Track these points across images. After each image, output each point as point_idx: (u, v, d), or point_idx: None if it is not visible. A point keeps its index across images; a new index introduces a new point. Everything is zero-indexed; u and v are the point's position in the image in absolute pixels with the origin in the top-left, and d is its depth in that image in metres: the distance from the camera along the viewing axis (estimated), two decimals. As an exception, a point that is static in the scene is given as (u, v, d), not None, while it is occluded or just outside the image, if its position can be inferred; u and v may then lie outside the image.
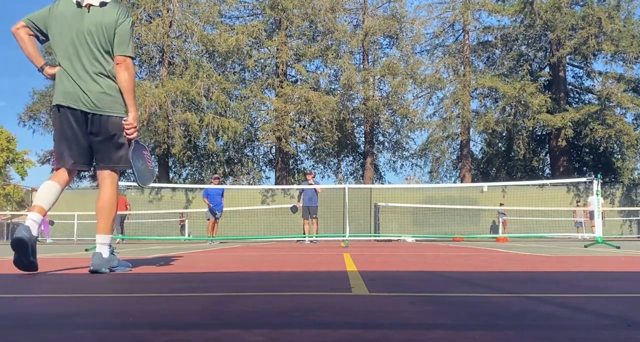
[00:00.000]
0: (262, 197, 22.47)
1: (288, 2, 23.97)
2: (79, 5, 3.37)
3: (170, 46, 24.03)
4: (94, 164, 3.51)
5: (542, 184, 21.59)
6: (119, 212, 17.27)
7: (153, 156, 27.82)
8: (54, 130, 3.47)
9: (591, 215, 17.03)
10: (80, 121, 3.35)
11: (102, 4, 3.39)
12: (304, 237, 12.91)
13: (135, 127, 3.42)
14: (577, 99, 28.48)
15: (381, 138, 28.35)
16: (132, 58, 3.41)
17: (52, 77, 3.46)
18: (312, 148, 27.72)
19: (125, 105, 3.43)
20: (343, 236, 11.40)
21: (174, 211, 21.30)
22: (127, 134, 3.42)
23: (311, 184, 13.02)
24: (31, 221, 3.25)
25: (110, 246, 3.50)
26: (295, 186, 19.90)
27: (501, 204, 19.51)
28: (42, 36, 3.50)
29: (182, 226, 21.04)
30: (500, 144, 28.46)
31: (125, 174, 29.01)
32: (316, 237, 12.92)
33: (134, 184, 23.62)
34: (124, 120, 3.41)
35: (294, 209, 13.33)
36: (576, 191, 22.68)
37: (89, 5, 3.37)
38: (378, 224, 18.13)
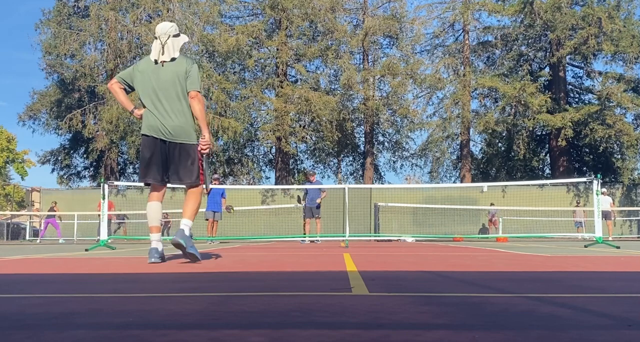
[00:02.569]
0: (262, 197, 22.47)
1: (288, 2, 23.97)
2: (156, 62, 4.42)
3: (170, 46, 24.00)
4: (167, 179, 4.47)
5: (542, 184, 21.59)
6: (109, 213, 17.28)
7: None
8: (140, 153, 4.52)
9: (606, 215, 16.87)
10: (159, 147, 4.33)
11: (172, 59, 4.41)
12: (304, 237, 12.91)
13: (209, 145, 4.45)
14: (577, 99, 28.49)
15: (381, 138, 28.38)
16: (201, 92, 4.43)
17: (140, 116, 4.49)
18: (312, 148, 27.73)
19: (199, 129, 4.44)
20: (343, 236, 11.40)
21: (174, 211, 21.25)
22: (202, 149, 4.41)
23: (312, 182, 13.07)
24: (155, 242, 4.42)
25: (191, 233, 4.38)
26: (295, 186, 19.91)
27: (492, 204, 19.62)
28: (129, 88, 4.54)
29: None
30: (500, 144, 28.46)
31: (125, 174, 28.94)
32: (319, 237, 12.92)
33: (134, 184, 23.72)
34: (202, 138, 4.39)
35: (300, 200, 13.36)
36: (576, 191, 22.68)
37: (163, 62, 4.41)
38: (378, 224, 18.13)
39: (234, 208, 13.30)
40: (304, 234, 13.19)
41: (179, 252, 4.46)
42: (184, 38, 4.59)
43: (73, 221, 19.76)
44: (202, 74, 22.89)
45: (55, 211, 19.74)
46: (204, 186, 4.61)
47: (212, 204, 13.18)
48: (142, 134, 4.41)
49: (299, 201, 13.33)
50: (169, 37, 4.45)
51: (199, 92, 4.38)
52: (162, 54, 4.41)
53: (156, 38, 4.49)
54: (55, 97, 26.44)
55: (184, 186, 4.52)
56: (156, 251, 4.38)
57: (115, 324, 1.52)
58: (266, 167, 28.51)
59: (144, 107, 4.44)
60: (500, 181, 25.38)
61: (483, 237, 18.31)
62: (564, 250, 7.45)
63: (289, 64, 25.63)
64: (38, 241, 19.44)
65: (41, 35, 24.48)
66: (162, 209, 4.50)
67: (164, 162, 4.37)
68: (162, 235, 17.33)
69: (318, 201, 12.97)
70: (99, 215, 17.03)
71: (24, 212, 29.90)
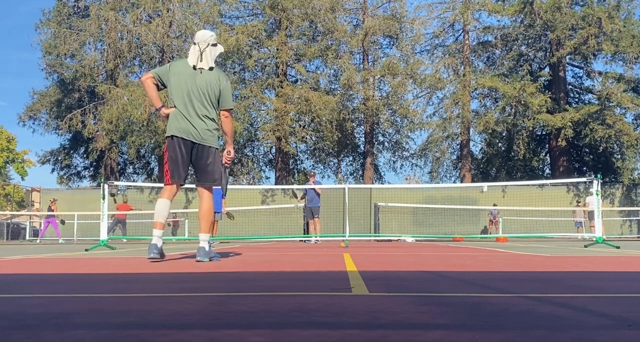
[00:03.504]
0: (262, 197, 22.47)
1: (288, 2, 23.96)
2: (194, 68, 4.62)
3: (170, 46, 24.02)
4: (190, 180, 4.81)
5: (542, 184, 21.58)
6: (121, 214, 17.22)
7: (153, 156, 27.86)
8: (167, 154, 4.64)
9: (590, 215, 17.06)
10: (188, 148, 4.55)
11: (210, 69, 4.63)
12: (310, 237, 12.88)
13: (232, 158, 4.83)
14: (577, 99, 28.49)
15: (381, 138, 28.37)
16: (232, 109, 4.76)
17: (167, 116, 4.64)
18: (312, 148, 27.72)
19: (224, 143, 4.87)
20: (343, 236, 11.40)
21: (174, 211, 21.28)
22: (226, 161, 4.79)
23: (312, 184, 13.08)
24: (157, 238, 4.57)
25: (209, 242, 4.69)
26: (295, 186, 19.89)
27: (494, 205, 19.61)
28: (161, 85, 4.70)
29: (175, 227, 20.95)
30: (500, 144, 28.45)
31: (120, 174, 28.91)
32: (319, 237, 12.93)
33: (133, 184, 23.64)
34: (227, 153, 4.78)
35: (294, 195, 13.40)
36: (576, 191, 22.68)
37: (202, 69, 4.61)
38: (378, 224, 18.13)
39: (234, 217, 13.34)
40: (308, 233, 13.20)
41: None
42: (220, 48, 4.77)
43: (73, 221, 19.76)
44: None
45: (53, 210, 19.72)
46: (222, 192, 5.18)
47: (213, 204, 13.16)
48: (171, 135, 4.57)
49: (294, 195, 13.36)
50: (207, 45, 4.66)
51: (230, 110, 4.71)
52: (201, 61, 4.62)
53: (195, 44, 4.67)
54: (55, 97, 26.44)
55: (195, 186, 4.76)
56: (155, 247, 4.54)
57: (115, 324, 1.52)
58: (266, 167, 28.53)
59: (174, 107, 4.61)
60: (500, 181, 25.37)
61: (483, 237, 18.31)
62: (564, 250, 7.45)
63: (289, 64, 25.63)
64: (38, 241, 19.43)
65: (41, 35, 24.51)
66: (170, 208, 4.71)
67: (189, 163, 4.65)
68: (174, 235, 17.32)
69: (319, 190, 13.04)
70: (113, 215, 17.05)
71: (24, 212, 29.90)
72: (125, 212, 17.93)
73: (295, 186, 15.51)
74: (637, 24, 24.52)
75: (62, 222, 19.76)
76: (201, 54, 4.62)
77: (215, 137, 4.62)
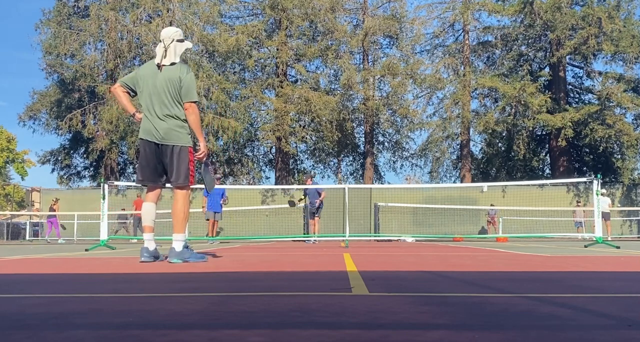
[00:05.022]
0: (262, 197, 22.46)
1: (288, 2, 23.96)
2: (158, 66, 4.51)
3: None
4: (164, 180, 4.64)
5: (542, 184, 21.58)
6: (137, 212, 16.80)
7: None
8: (138, 156, 4.74)
9: (604, 216, 16.92)
10: (152, 149, 4.48)
11: (172, 64, 4.50)
12: (309, 236, 12.89)
13: (204, 153, 4.60)
14: (577, 99, 28.48)
15: (381, 138, 28.36)
16: (196, 102, 4.51)
17: (140, 120, 4.62)
18: (312, 148, 27.72)
19: (194, 137, 4.60)
20: (343, 236, 11.40)
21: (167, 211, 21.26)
22: (199, 158, 4.59)
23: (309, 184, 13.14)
24: (147, 240, 4.58)
25: (185, 242, 4.50)
26: (295, 186, 19.89)
27: (492, 205, 19.62)
28: (132, 92, 4.65)
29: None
30: (500, 144, 28.45)
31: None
32: (317, 237, 12.93)
33: (134, 184, 23.73)
34: (197, 148, 4.58)
35: (292, 204, 13.39)
36: (576, 191, 22.68)
37: (163, 66, 4.49)
38: (378, 224, 18.12)
39: (227, 200, 13.41)
40: (306, 233, 13.21)
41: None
42: (187, 44, 4.65)
43: (73, 221, 19.76)
44: (202, 74, 22.90)
45: (55, 210, 19.70)
46: (206, 189, 5.00)
47: (213, 204, 13.19)
48: (139, 138, 4.60)
49: (292, 204, 13.35)
50: (172, 41, 4.55)
51: (193, 102, 4.47)
52: (164, 58, 4.52)
53: (160, 41, 4.60)
54: (55, 97, 26.43)
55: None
56: (146, 250, 4.55)
57: (115, 324, 1.52)
58: (266, 167, 28.52)
59: (141, 111, 4.62)
60: (500, 181, 25.36)
61: (483, 237, 18.30)
62: (564, 250, 7.45)
63: (289, 64, 25.62)
64: (47, 240, 19.28)
65: (41, 35, 24.49)
66: (156, 210, 4.66)
67: (159, 164, 4.55)
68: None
69: (317, 202, 13.01)
70: (131, 214, 16.76)
71: (24, 212, 29.90)
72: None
73: (298, 186, 15.50)
74: (637, 24, 24.52)
75: (62, 227, 19.66)
76: (165, 51, 4.53)
77: (181, 134, 4.48)
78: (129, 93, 4.63)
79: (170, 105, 4.44)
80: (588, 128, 24.01)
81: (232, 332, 1.38)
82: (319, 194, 13.11)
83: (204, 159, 4.68)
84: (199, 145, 4.61)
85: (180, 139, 4.47)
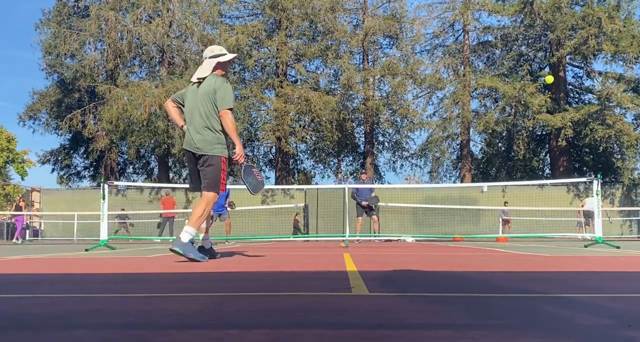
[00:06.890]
0: (262, 197, 22.47)
1: (288, 2, 23.96)
2: (197, 82, 4.90)
3: (170, 46, 24.03)
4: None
5: (542, 184, 21.57)
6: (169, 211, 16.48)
7: (152, 156, 27.85)
8: None
9: (586, 215, 17.05)
10: (190, 159, 4.87)
11: (203, 79, 4.84)
12: (354, 236, 12.62)
13: (242, 156, 4.87)
14: (577, 99, 28.48)
15: (381, 138, 28.36)
16: (231, 109, 4.78)
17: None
18: (312, 148, 27.72)
19: (230, 144, 4.90)
20: (343, 236, 11.38)
21: (175, 211, 21.27)
22: (236, 160, 4.86)
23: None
24: (203, 240, 5.29)
25: (193, 238, 4.63)
26: (295, 186, 19.89)
27: (505, 204, 19.34)
28: (182, 107, 4.99)
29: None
30: (500, 144, 28.45)
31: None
32: (377, 236, 13.18)
33: (133, 184, 23.71)
34: (234, 152, 4.85)
35: (354, 196, 13.62)
36: (576, 191, 22.68)
37: (200, 80, 4.87)
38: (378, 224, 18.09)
39: (235, 206, 13.31)
40: (348, 233, 13.06)
41: (171, 252, 4.56)
42: (223, 57, 4.90)
43: (73, 221, 19.75)
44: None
45: (21, 207, 19.15)
46: (248, 189, 5.09)
47: (215, 205, 13.07)
48: (182, 147, 5.15)
49: (354, 197, 13.54)
50: (205, 58, 4.96)
51: (228, 110, 4.76)
52: (198, 75, 4.94)
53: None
54: (55, 97, 26.44)
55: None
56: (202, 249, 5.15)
57: (116, 324, 1.52)
58: (266, 167, 28.51)
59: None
60: (500, 181, 25.36)
61: (483, 237, 18.30)
62: (564, 250, 7.45)
63: (289, 64, 25.63)
64: (19, 242, 18.17)
65: (41, 35, 24.50)
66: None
67: (197, 171, 4.91)
68: (171, 235, 16.92)
69: (364, 203, 13.12)
70: (161, 214, 16.38)
71: (23, 213, 29.85)
72: (172, 210, 16.68)
73: (298, 186, 15.49)
74: (637, 24, 24.51)
75: (26, 227, 18.83)
76: (199, 69, 4.95)
77: (213, 144, 4.74)
78: (179, 108, 5.01)
79: (206, 117, 4.75)
80: (588, 128, 24.01)
81: (233, 332, 1.38)
82: (372, 190, 13.35)
83: (242, 161, 4.91)
84: (235, 150, 4.90)
85: (212, 149, 4.76)
